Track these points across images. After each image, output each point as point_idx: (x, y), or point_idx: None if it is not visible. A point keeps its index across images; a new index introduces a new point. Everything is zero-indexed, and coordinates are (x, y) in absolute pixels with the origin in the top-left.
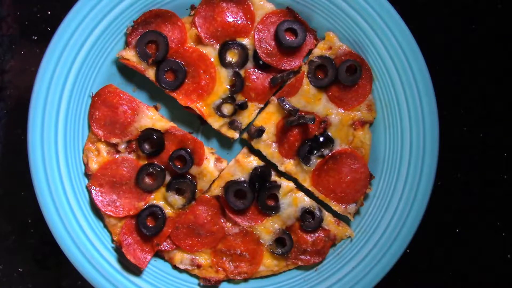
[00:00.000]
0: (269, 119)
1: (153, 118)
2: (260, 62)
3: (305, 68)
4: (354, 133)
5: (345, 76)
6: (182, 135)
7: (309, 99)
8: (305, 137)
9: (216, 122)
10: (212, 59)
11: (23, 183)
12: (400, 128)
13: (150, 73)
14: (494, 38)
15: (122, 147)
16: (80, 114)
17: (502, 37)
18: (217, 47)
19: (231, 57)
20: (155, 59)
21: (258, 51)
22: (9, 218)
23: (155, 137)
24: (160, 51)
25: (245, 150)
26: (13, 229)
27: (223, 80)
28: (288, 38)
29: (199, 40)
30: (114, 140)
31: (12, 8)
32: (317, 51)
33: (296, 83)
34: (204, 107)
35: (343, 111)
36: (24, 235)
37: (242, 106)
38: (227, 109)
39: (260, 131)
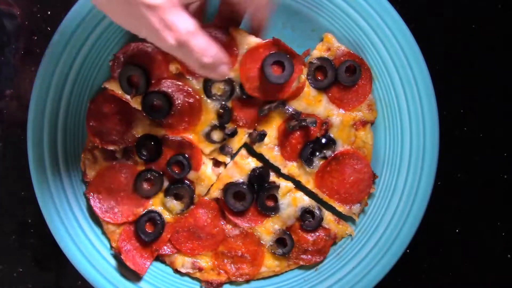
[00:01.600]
0: (270, 123)
1: (150, 124)
2: (245, 94)
3: (304, 71)
4: (356, 133)
5: (345, 76)
6: (179, 141)
7: (309, 101)
8: (307, 139)
9: (207, 148)
10: (197, 91)
11: (23, 183)
12: (400, 128)
13: (137, 103)
14: (494, 38)
15: (119, 153)
16: (80, 114)
17: (502, 37)
18: (201, 80)
19: (216, 90)
20: (137, 92)
21: (244, 87)
22: (9, 218)
23: (152, 143)
24: (141, 86)
25: (243, 151)
26: (13, 229)
27: (210, 110)
28: (274, 74)
29: (182, 73)
30: (111, 147)
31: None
32: (316, 53)
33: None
34: (193, 135)
35: (344, 112)
36: (24, 235)
37: (232, 135)
38: (216, 135)
39: (262, 135)
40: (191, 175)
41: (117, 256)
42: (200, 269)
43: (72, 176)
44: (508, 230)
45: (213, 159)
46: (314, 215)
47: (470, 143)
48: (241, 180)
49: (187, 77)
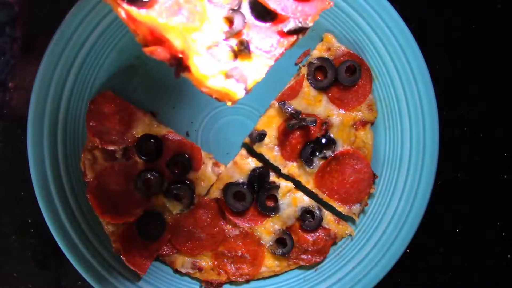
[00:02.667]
0: (270, 123)
1: (150, 124)
2: (260, 10)
3: (304, 70)
4: (356, 133)
5: (345, 76)
6: (179, 141)
7: (309, 101)
8: (307, 139)
9: (207, 64)
10: None
11: (23, 183)
12: (400, 128)
13: None
14: (494, 38)
15: (119, 153)
16: (79, 115)
17: (502, 37)
18: None
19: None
20: None
21: None
22: (9, 218)
23: (152, 143)
24: None
25: (243, 151)
26: (13, 229)
27: (215, 19)
28: None
29: None
30: (111, 147)
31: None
32: (315, 53)
33: (296, 86)
34: (190, 40)
35: (344, 112)
36: (24, 235)
37: (247, 47)
38: (224, 53)
39: (262, 135)
40: (191, 175)
41: (117, 256)
42: (200, 269)
43: (72, 176)
44: (508, 230)
45: (212, 159)
46: (314, 215)
47: (470, 143)
48: (241, 180)
49: None
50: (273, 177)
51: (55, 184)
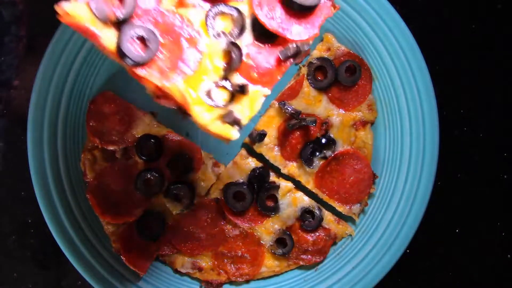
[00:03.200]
0: (270, 123)
1: (150, 124)
2: (261, 32)
3: (304, 70)
4: (356, 133)
5: (345, 76)
6: (179, 141)
7: (309, 101)
8: (307, 139)
9: (206, 112)
10: (197, 25)
11: (23, 183)
12: (400, 128)
13: (107, 38)
14: (494, 38)
15: (119, 153)
16: (79, 115)
17: (502, 37)
18: (204, 10)
19: (222, 21)
20: (117, 18)
21: (258, 16)
22: (9, 218)
23: (152, 143)
24: (127, 6)
25: (243, 151)
26: (13, 229)
27: (213, 55)
28: None
29: (180, 2)
30: (111, 147)
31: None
32: (315, 53)
33: (296, 86)
34: (190, 90)
35: (344, 112)
36: (24, 235)
37: (241, 90)
38: (220, 95)
39: (262, 135)
40: (191, 175)
41: (117, 256)
42: (200, 269)
43: (72, 176)
44: (508, 230)
45: (212, 159)
46: (314, 215)
47: (470, 143)
48: (241, 180)
49: (188, 3)
50: (273, 177)
51: (55, 184)
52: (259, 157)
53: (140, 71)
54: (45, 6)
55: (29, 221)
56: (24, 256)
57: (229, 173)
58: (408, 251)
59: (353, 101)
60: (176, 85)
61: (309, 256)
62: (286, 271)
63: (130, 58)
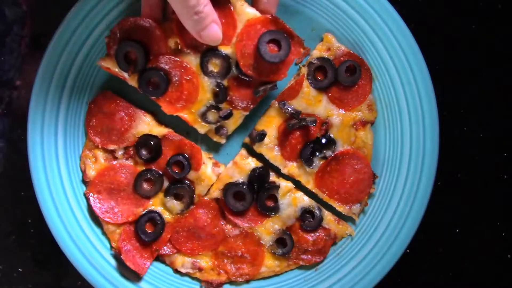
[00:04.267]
0: (270, 123)
1: (150, 124)
2: (242, 72)
3: (304, 70)
4: (356, 133)
5: (345, 76)
6: (179, 141)
7: (309, 101)
8: (307, 139)
9: (202, 129)
10: (194, 68)
11: (23, 183)
12: (400, 128)
13: (134, 80)
14: (494, 38)
15: (119, 153)
16: (80, 115)
17: (502, 37)
18: (198, 56)
19: (212, 67)
20: (135, 69)
21: (239, 63)
22: (9, 218)
23: (152, 143)
24: (139, 62)
25: (243, 151)
26: (13, 229)
27: (206, 89)
28: (269, 52)
29: (180, 49)
30: (112, 147)
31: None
32: (315, 53)
33: (296, 86)
34: (188, 115)
35: (344, 112)
36: (24, 235)
37: (226, 117)
38: (212, 116)
39: (262, 135)
40: (191, 175)
41: (117, 256)
42: (200, 269)
43: (72, 176)
44: (508, 230)
45: (212, 159)
46: (314, 215)
47: (470, 143)
48: (241, 180)
49: (186, 51)
50: (273, 177)
51: (55, 184)
52: (259, 157)
53: (158, 101)
54: (48, 6)
55: (29, 221)
56: (24, 256)
57: (229, 173)
58: (408, 251)
59: (353, 101)
60: (180, 112)
61: (309, 256)
62: (286, 271)
63: (147, 94)
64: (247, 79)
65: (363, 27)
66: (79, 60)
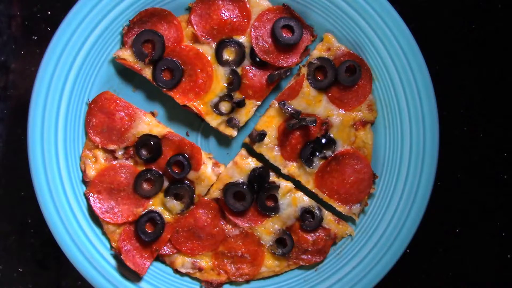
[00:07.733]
0: (270, 123)
1: (150, 124)
2: (257, 59)
3: (304, 70)
4: (356, 133)
5: (345, 76)
6: (179, 141)
7: (309, 101)
8: (307, 139)
9: (214, 120)
10: (209, 57)
11: (23, 183)
12: (400, 128)
13: (147, 73)
14: (494, 38)
15: (119, 153)
16: (79, 115)
17: (502, 37)
18: (214, 45)
19: (227, 55)
20: (151, 58)
21: (255, 49)
22: (9, 218)
23: (152, 143)
24: (157, 50)
25: (243, 151)
26: (13, 229)
27: (220, 78)
28: (284, 35)
29: (195, 39)
30: (112, 147)
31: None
32: (315, 53)
33: (296, 86)
34: (202, 106)
35: (344, 112)
36: (24, 235)
37: (240, 104)
38: (224, 107)
39: (262, 135)
40: (191, 175)
41: (117, 256)
42: (200, 269)
43: (72, 176)
44: (508, 230)
45: (212, 159)
46: (314, 215)
47: (470, 143)
48: (241, 180)
49: (204, 40)
50: (273, 177)
51: (55, 184)
52: (259, 157)
53: (170, 93)
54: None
55: (29, 221)
56: (24, 256)
57: (229, 173)
58: (408, 251)
59: (353, 101)
60: (193, 103)
61: (309, 256)
62: (286, 271)
63: (161, 84)
64: (259, 69)
65: (363, 27)
66: (79, 60)
